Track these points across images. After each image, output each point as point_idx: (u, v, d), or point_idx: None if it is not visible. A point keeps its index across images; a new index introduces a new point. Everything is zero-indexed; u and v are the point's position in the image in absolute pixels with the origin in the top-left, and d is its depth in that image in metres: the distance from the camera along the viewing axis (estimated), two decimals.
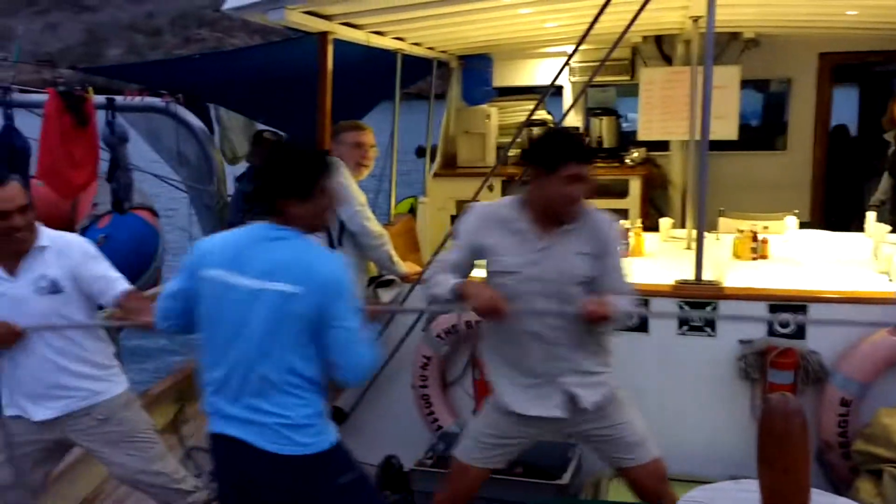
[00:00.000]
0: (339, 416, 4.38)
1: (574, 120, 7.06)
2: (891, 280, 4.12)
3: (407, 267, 4.28)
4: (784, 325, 3.69)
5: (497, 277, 2.86)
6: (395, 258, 4.20)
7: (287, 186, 2.44)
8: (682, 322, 3.84)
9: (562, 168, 2.71)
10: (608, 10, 3.81)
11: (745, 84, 5.87)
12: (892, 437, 3.30)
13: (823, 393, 3.65)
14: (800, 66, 6.72)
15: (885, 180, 5.97)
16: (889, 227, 4.86)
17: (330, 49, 4.32)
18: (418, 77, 6.83)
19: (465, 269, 2.94)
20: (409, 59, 5.82)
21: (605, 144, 7.14)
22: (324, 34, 4.29)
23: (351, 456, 2.58)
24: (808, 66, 6.72)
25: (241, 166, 6.47)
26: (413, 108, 6.72)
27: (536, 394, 2.91)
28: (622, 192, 6.66)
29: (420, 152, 7.16)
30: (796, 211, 5.44)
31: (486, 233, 2.88)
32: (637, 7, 3.75)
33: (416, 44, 5.69)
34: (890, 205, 5.81)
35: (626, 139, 7.15)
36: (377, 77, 5.83)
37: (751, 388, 3.80)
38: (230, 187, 6.27)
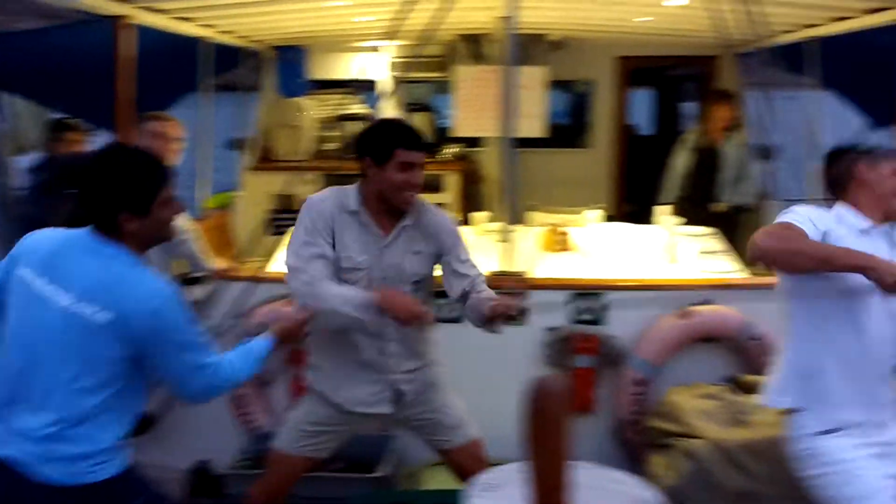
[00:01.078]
0: (146, 422, 4.15)
1: (391, 115, 7.10)
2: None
3: (218, 263, 4.15)
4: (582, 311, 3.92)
5: (344, 274, 2.77)
6: (203, 253, 4.05)
7: (122, 200, 2.17)
8: None
9: (394, 156, 2.68)
10: (419, 7, 3.84)
11: (553, 85, 6.14)
12: (680, 413, 3.57)
13: (621, 375, 3.90)
14: (600, 68, 7.13)
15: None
16: (680, 220, 5.25)
17: (128, 35, 4.07)
18: (231, 67, 6.60)
19: (332, 266, 2.74)
20: (221, 49, 5.61)
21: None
22: (119, 18, 4.03)
23: (143, 479, 2.40)
24: (608, 69, 7.14)
25: (28, 157, 5.96)
26: (224, 100, 6.48)
27: (364, 390, 2.91)
28: (438, 187, 6.79)
29: (233, 145, 6.93)
30: (603, 205, 5.75)
31: (341, 223, 2.76)
32: (447, 5, 3.81)
33: (226, 32, 5.49)
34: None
35: (444, 135, 7.29)
36: (184, 66, 5.57)
37: (558, 373, 3.99)
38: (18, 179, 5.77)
